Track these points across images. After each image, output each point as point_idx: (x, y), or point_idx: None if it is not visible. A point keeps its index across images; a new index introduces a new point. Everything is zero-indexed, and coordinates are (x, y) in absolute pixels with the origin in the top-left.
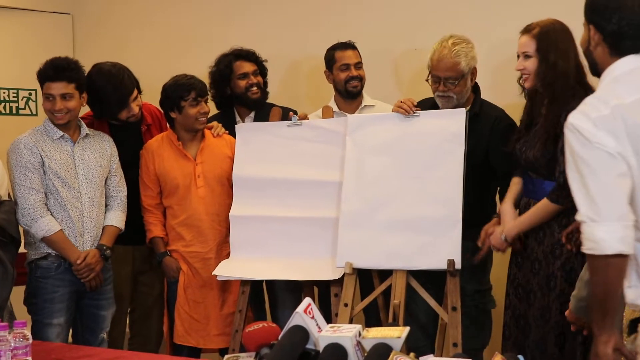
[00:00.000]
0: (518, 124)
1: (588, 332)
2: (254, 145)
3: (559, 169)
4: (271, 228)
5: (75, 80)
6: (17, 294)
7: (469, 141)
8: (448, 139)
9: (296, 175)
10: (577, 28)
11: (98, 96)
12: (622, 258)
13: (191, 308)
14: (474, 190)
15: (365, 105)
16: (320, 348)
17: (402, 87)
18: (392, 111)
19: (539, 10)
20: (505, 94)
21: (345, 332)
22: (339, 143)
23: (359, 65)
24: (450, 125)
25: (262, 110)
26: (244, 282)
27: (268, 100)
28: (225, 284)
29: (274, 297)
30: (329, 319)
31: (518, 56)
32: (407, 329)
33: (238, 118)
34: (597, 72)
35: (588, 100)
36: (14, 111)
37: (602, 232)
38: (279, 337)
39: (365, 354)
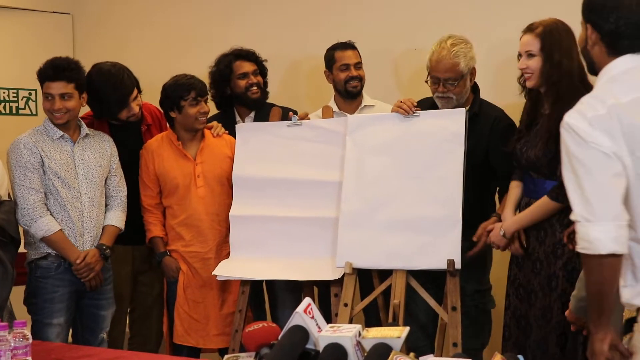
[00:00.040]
0: (518, 124)
1: (588, 332)
2: (254, 145)
3: (560, 167)
4: (271, 228)
5: (75, 80)
6: (17, 294)
7: (468, 141)
8: (448, 139)
9: (296, 175)
10: (577, 28)
11: (98, 96)
12: (616, 258)
13: (191, 308)
14: (473, 190)
15: (365, 105)
16: (320, 348)
17: (401, 87)
18: (392, 111)
19: (539, 10)
20: (505, 94)
21: (345, 332)
22: (339, 143)
23: (358, 65)
24: (450, 125)
25: (262, 110)
26: (243, 282)
27: (268, 100)
28: (225, 284)
29: (273, 297)
30: (328, 319)
31: (519, 55)
32: (407, 329)
33: (238, 118)
34: (595, 71)
35: (584, 100)
36: (14, 111)
37: (596, 232)
38: (279, 337)
39: (365, 354)
